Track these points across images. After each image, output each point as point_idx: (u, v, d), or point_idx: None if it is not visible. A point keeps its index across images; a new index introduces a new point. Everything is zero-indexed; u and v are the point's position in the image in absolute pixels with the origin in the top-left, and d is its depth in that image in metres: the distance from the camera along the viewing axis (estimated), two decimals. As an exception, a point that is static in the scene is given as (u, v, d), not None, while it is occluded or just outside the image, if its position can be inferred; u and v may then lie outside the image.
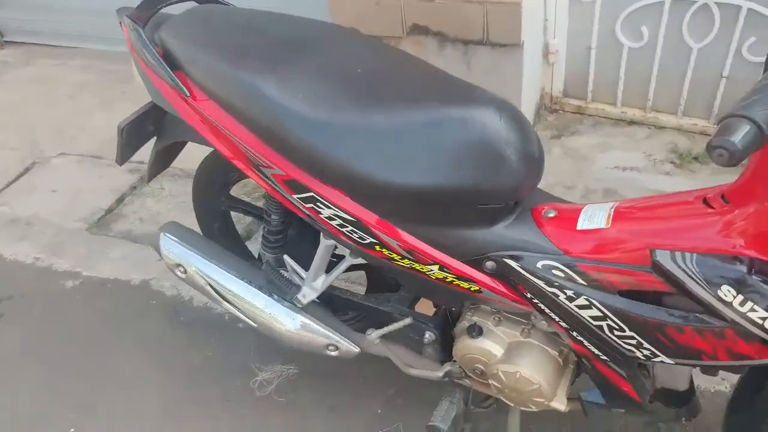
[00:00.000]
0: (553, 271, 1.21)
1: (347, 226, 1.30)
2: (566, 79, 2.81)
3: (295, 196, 1.32)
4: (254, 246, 2.52)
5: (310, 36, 1.39)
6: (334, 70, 1.29)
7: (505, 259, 1.24)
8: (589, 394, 1.39)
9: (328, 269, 1.55)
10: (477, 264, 1.27)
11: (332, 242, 1.46)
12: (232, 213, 1.98)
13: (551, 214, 1.27)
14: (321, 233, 1.47)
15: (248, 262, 1.77)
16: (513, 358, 1.37)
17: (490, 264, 1.26)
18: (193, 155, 1.76)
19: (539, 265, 1.22)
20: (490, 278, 1.29)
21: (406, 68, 1.34)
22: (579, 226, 1.22)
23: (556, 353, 1.38)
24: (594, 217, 1.21)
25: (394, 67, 1.33)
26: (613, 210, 1.21)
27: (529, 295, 1.26)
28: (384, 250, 1.30)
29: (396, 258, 1.31)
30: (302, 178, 1.28)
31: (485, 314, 1.43)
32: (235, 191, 1.95)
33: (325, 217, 1.32)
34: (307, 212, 1.34)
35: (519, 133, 1.18)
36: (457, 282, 1.30)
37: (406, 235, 1.27)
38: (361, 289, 1.88)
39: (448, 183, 1.17)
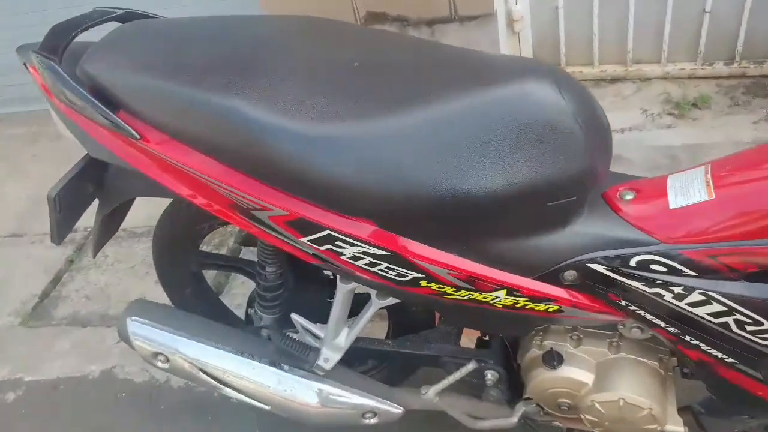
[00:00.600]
0: (652, 267, 0.99)
1: (380, 264, 1.05)
2: (534, 46, 2.64)
3: (304, 239, 1.06)
4: (228, 302, 2.24)
5: (277, 34, 1.13)
6: (324, 70, 1.03)
7: (589, 264, 1.01)
8: (704, 403, 1.19)
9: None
10: (553, 278, 1.04)
11: (353, 285, 1.20)
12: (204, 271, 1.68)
13: (629, 196, 1.05)
14: (338, 277, 1.20)
15: (242, 330, 1.48)
16: (609, 383, 1.14)
17: (570, 274, 1.03)
18: (134, 210, 1.46)
19: (633, 262, 1.00)
20: (571, 292, 1.06)
21: (406, 50, 1.11)
22: (673, 204, 1.00)
23: (656, 363, 1.16)
24: (688, 189, 1.00)
25: (392, 52, 1.09)
26: (709, 175, 1.00)
27: (623, 303, 1.04)
28: (432, 284, 1.05)
29: (449, 291, 1.06)
30: (315, 216, 1.01)
31: (558, 335, 1.21)
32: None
33: (349, 258, 1.06)
34: (322, 256, 1.08)
35: (584, 103, 0.96)
36: (530, 306, 1.07)
37: (460, 261, 1.03)
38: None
39: (513, 181, 0.93)
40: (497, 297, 1.06)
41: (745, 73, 2.48)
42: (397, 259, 1.03)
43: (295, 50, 1.08)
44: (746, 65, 2.48)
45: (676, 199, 1.00)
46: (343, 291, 1.22)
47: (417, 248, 1.02)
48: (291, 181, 1.00)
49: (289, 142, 0.96)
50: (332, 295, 1.45)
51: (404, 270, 1.04)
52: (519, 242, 1.02)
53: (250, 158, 1.00)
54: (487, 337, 1.44)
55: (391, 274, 1.06)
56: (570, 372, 1.17)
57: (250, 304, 1.56)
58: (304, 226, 1.04)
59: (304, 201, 1.02)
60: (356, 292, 1.25)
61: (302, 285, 1.47)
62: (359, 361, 1.51)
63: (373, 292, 1.22)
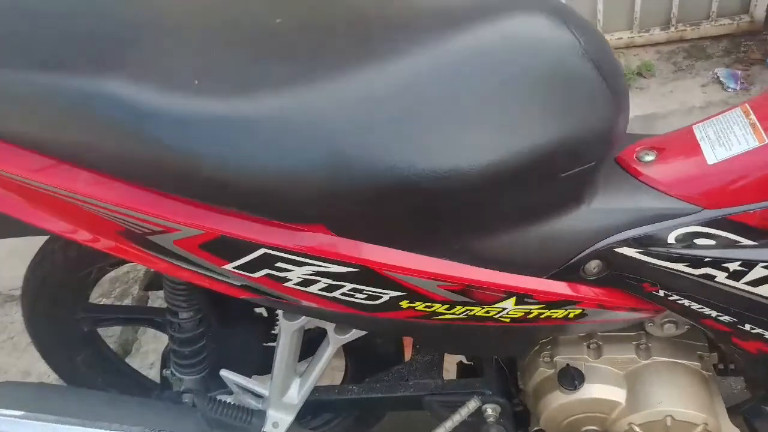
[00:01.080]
0: (697, 241, 0.78)
1: (342, 286, 0.77)
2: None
3: (229, 266, 0.77)
4: (139, 363, 1.88)
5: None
6: (235, 31, 0.75)
7: (616, 249, 0.79)
8: (755, 406, 0.99)
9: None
10: (573, 273, 0.81)
11: (302, 322, 0.91)
12: (101, 330, 1.33)
13: (649, 157, 0.84)
14: (281, 314, 0.92)
15: (156, 399, 1.15)
16: (647, 397, 0.92)
17: (593, 266, 0.80)
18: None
19: (672, 238, 0.78)
20: (596, 289, 0.83)
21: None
22: (711, 158, 0.79)
23: (697, 363, 0.95)
24: (727, 137, 0.80)
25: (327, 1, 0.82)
26: (752, 116, 0.80)
27: (662, 294, 0.82)
28: (417, 303, 0.79)
29: (439, 310, 0.80)
30: (241, 231, 0.73)
31: (571, 347, 0.98)
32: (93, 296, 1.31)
33: (296, 284, 0.78)
34: (257, 287, 0.79)
35: (598, 42, 0.75)
36: (546, 314, 0.83)
37: (453, 267, 0.77)
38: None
39: (514, 149, 0.69)
40: (504, 309, 0.81)
41: (682, 36, 2.41)
42: (365, 275, 0.76)
43: (193, 8, 0.79)
44: (683, 29, 2.42)
45: (714, 152, 0.80)
46: (289, 331, 0.94)
47: (392, 257, 0.76)
48: (201, 185, 0.71)
49: (191, 129, 0.68)
50: (272, 339, 1.16)
51: (377, 290, 0.77)
52: (526, 232, 0.77)
53: (138, 160, 0.70)
54: (469, 361, 1.20)
55: (359, 298, 0.79)
56: (595, 391, 0.94)
57: (164, 364, 1.23)
58: (228, 248, 0.75)
59: (223, 212, 0.73)
60: (306, 328, 0.97)
61: (229, 330, 1.16)
62: (311, 414, 1.22)
63: (330, 326, 0.94)
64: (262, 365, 1.06)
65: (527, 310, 0.82)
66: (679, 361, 0.94)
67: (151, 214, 0.73)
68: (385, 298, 0.78)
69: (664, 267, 0.80)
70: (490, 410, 1.01)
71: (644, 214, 0.80)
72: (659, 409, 0.90)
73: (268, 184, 0.68)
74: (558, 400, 0.95)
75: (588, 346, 0.97)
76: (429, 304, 0.79)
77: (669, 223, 0.79)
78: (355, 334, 0.95)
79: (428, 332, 0.86)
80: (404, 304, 0.79)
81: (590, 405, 0.94)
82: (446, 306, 0.80)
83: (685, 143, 0.84)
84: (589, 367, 0.96)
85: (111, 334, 2.08)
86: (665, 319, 0.92)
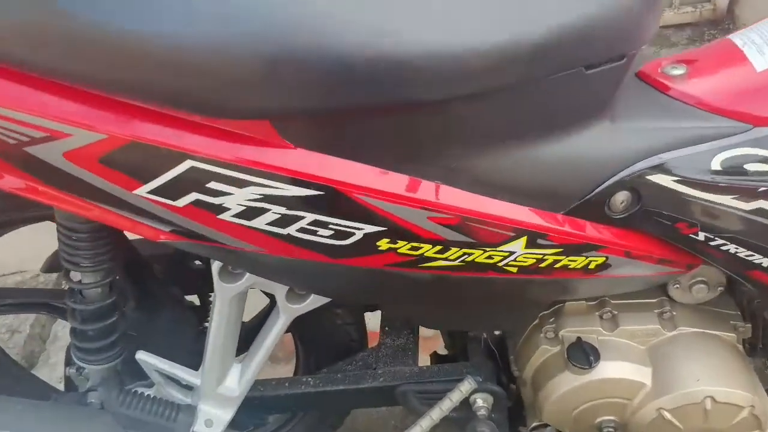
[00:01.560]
0: (748, 167, 0.64)
1: (299, 218, 0.58)
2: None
3: (142, 191, 0.57)
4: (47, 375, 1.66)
5: None
6: None
7: (649, 177, 0.63)
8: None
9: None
10: (596, 208, 0.65)
11: (244, 283, 0.72)
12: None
13: (679, 71, 0.69)
14: (214, 274, 0.72)
15: (54, 402, 0.93)
16: (680, 376, 0.76)
17: (620, 198, 0.65)
18: None
19: (716, 163, 0.64)
20: (621, 231, 0.67)
21: None
22: (761, 65, 0.65)
23: (732, 335, 0.80)
24: (781, 39, 0.66)
25: None
26: (811, 13, 0.66)
27: (701, 237, 0.67)
28: (401, 244, 0.61)
29: (429, 254, 0.62)
30: (159, 136, 0.54)
31: (579, 318, 0.82)
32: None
33: (235, 217, 0.58)
34: (179, 222, 0.60)
35: None
36: (563, 262, 0.66)
37: (450, 194, 0.59)
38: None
39: (534, 29, 0.53)
40: (512, 253, 0.64)
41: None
42: (331, 201, 0.57)
43: None
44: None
45: (764, 57, 0.66)
46: (227, 298, 0.74)
47: (368, 176, 0.57)
48: (102, 66, 0.51)
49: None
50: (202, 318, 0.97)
51: (347, 223, 0.59)
52: (540, 150, 0.61)
53: (9, 30, 0.51)
54: (447, 350, 1.02)
55: (323, 237, 0.60)
56: (613, 370, 0.78)
57: (68, 361, 1.01)
58: (140, 162, 0.55)
59: (133, 109, 0.54)
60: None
61: (151, 306, 0.95)
62: (253, 417, 1.01)
63: (280, 291, 0.75)
64: (190, 351, 0.86)
65: (540, 256, 0.65)
66: (712, 331, 0.79)
67: (29, 110, 0.53)
68: (358, 235, 0.60)
69: (706, 200, 0.64)
70: (481, 401, 0.83)
71: (679, 134, 0.65)
72: (696, 389, 0.74)
73: (192, 61, 0.50)
74: (568, 383, 0.78)
75: (601, 317, 0.81)
76: (416, 244, 0.61)
77: (711, 145, 0.64)
78: (312, 302, 0.76)
79: (410, 290, 0.68)
80: (383, 244, 0.61)
81: (608, 388, 0.78)
82: (438, 248, 0.62)
83: (723, 52, 0.70)
84: (604, 341, 0.79)
85: (13, 346, 1.82)
86: (695, 279, 0.77)
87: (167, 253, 1.06)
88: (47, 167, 0.57)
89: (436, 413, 0.79)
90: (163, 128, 0.54)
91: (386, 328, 0.95)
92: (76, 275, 0.78)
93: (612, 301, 0.81)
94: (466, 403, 0.85)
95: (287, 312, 0.77)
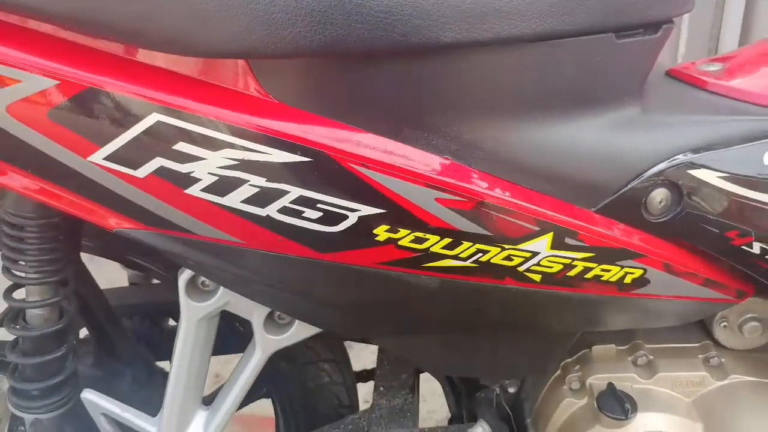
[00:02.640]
0: (809, 163, 0.55)
1: (282, 194, 0.49)
2: None
3: (98, 156, 0.48)
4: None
5: None
6: None
7: (691, 171, 0.55)
8: None
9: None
10: (631, 206, 0.56)
11: (212, 305, 0.61)
12: None
13: (715, 68, 0.63)
14: (181, 293, 0.61)
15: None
16: (740, 429, 0.63)
17: (659, 197, 0.56)
18: None
19: (770, 159, 0.55)
20: (662, 239, 0.58)
21: None
22: (812, 54, 0.59)
23: (793, 387, 0.68)
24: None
25: None
26: None
27: (756, 249, 0.58)
28: (402, 233, 0.51)
29: (435, 248, 0.52)
30: (121, 78, 0.46)
31: (608, 363, 0.69)
32: None
33: (206, 191, 0.49)
34: (138, 203, 0.51)
35: None
36: (595, 271, 0.56)
37: (463, 172, 0.50)
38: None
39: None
40: (535, 254, 0.54)
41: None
42: (321, 170, 0.48)
43: None
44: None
45: (812, 46, 0.60)
46: (195, 318, 0.63)
47: (366, 142, 0.49)
48: None
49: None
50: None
51: (339, 201, 0.49)
52: (568, 131, 0.53)
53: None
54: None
55: (310, 219, 0.50)
56: (654, 422, 0.65)
57: (12, 427, 0.86)
58: (98, 116, 0.47)
59: (88, 52, 0.46)
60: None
61: (111, 360, 0.83)
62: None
63: (257, 315, 0.63)
64: (145, 395, 0.73)
65: (568, 261, 0.54)
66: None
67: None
68: (352, 219, 0.50)
69: (760, 201, 0.56)
70: (491, 467, 0.69)
71: (722, 128, 0.57)
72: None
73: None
74: (598, 440, 0.65)
75: (634, 362, 0.69)
76: (420, 234, 0.51)
77: (762, 141, 0.57)
78: (294, 333, 0.64)
79: (411, 305, 0.57)
80: (381, 232, 0.51)
81: (649, 446, 0.65)
82: (447, 241, 0.52)
83: (760, 50, 0.64)
84: (640, 390, 0.67)
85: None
86: (746, 316, 0.67)
87: (139, 304, 0.96)
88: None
89: None
90: (127, 75, 0.47)
91: (381, 388, 0.82)
92: (20, 294, 0.67)
93: (647, 346, 0.70)
94: (476, 473, 0.71)
95: (264, 345, 0.65)
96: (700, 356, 0.69)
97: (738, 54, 0.66)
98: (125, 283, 1.00)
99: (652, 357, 0.69)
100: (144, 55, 0.48)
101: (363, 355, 1.20)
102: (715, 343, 0.69)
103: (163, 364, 0.95)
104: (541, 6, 0.47)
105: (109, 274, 0.96)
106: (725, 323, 0.67)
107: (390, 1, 0.43)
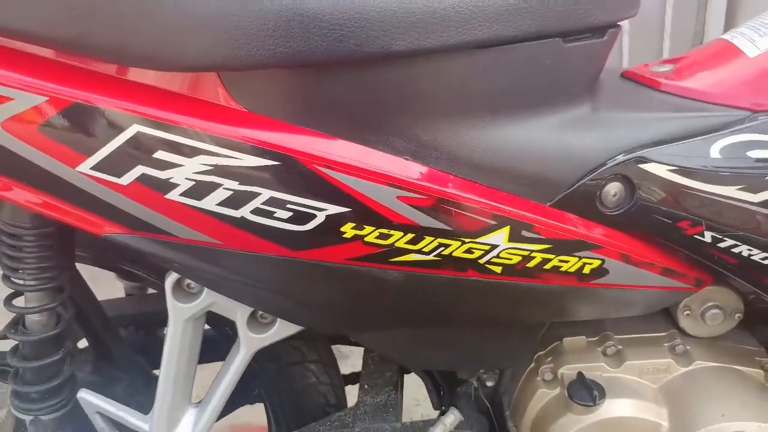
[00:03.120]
0: (751, 154, 0.59)
1: (254, 196, 0.53)
2: None
3: (85, 167, 0.53)
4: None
5: None
6: None
7: (642, 166, 0.59)
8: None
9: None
10: (585, 200, 0.60)
11: (198, 305, 0.65)
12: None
13: (666, 68, 0.67)
14: (168, 293, 0.65)
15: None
16: (701, 412, 0.66)
17: (613, 191, 0.60)
18: None
19: (716, 150, 0.60)
20: (618, 231, 0.61)
21: None
22: (753, 52, 0.63)
23: (758, 370, 0.71)
24: (766, 28, 0.64)
25: None
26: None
27: (708, 237, 0.61)
28: (368, 230, 0.55)
29: (400, 243, 0.56)
30: (104, 93, 0.51)
31: (579, 354, 0.73)
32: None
33: (184, 196, 0.53)
34: (124, 209, 0.55)
35: None
36: (553, 262, 0.59)
37: (422, 171, 0.54)
38: None
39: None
40: (494, 247, 0.57)
41: None
42: (289, 173, 0.52)
43: None
44: None
45: (755, 44, 0.64)
46: (181, 319, 0.67)
47: (329, 146, 0.53)
48: (40, 20, 0.49)
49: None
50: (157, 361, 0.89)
51: (307, 201, 0.53)
52: (521, 131, 0.57)
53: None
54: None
55: (280, 219, 0.54)
56: (621, 408, 0.68)
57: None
58: (84, 129, 0.51)
59: (73, 69, 0.51)
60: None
61: (108, 367, 0.87)
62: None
63: (240, 315, 0.67)
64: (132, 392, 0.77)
65: (526, 253, 0.58)
66: (734, 366, 0.70)
67: None
68: (320, 217, 0.54)
69: (707, 192, 0.59)
70: (470, 458, 0.73)
71: (672, 124, 0.61)
72: (723, 425, 0.64)
73: (130, 3, 0.47)
74: (571, 425, 0.68)
75: (604, 352, 0.72)
76: (385, 230, 0.55)
77: (709, 135, 0.60)
78: (276, 331, 0.68)
79: (381, 298, 0.61)
80: (348, 229, 0.55)
81: (618, 430, 0.67)
82: (410, 236, 0.56)
83: (712, 48, 0.68)
84: (609, 378, 0.70)
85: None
86: (708, 304, 0.70)
87: (134, 314, 1.00)
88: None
89: None
90: (109, 90, 0.51)
91: (366, 386, 0.86)
92: (19, 301, 0.71)
93: (616, 336, 0.73)
94: (457, 462, 0.74)
95: (249, 343, 0.69)
96: (666, 344, 0.72)
97: (690, 54, 0.70)
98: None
99: (620, 347, 0.72)
100: (122, 71, 0.52)
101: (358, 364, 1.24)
102: (680, 332, 0.72)
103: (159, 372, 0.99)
104: (487, 14, 0.51)
105: (107, 291, 1.00)
106: (688, 312, 0.70)
107: (343, 14, 0.48)
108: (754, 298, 0.68)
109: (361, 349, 0.91)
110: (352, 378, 1.02)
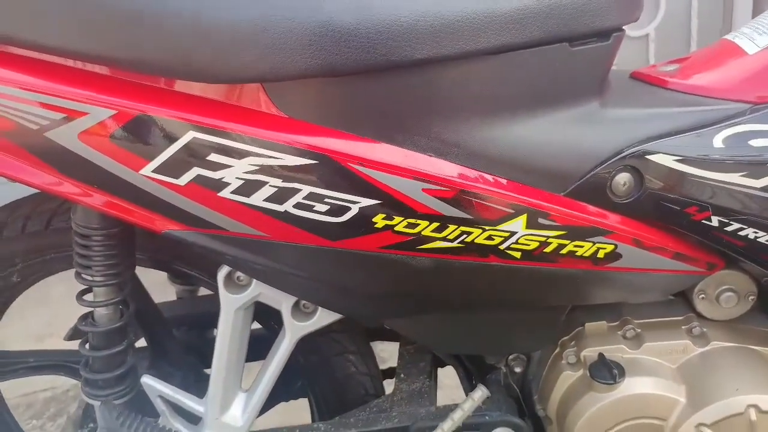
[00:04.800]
0: (753, 143, 0.63)
1: (295, 192, 0.60)
2: None
3: (148, 170, 0.60)
4: None
5: None
6: None
7: (650, 157, 0.63)
8: None
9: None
10: (596, 191, 0.65)
11: (249, 296, 0.72)
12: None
13: (672, 68, 0.72)
14: (220, 283, 0.72)
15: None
16: (717, 387, 0.70)
17: (622, 181, 0.65)
18: None
19: (719, 141, 0.64)
20: (629, 218, 0.66)
21: None
22: (752, 49, 0.68)
23: (772, 352, 0.74)
24: (766, 27, 0.69)
25: None
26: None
27: (715, 222, 0.65)
28: (397, 220, 0.61)
29: (426, 232, 0.62)
30: (163, 104, 0.58)
31: (600, 337, 0.77)
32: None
33: (235, 193, 0.60)
34: (182, 207, 0.62)
35: None
36: (569, 247, 0.64)
37: (445, 166, 0.60)
38: None
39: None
40: (512, 234, 0.63)
41: None
42: (326, 171, 0.59)
43: None
44: None
45: (755, 42, 0.68)
46: (232, 308, 0.73)
47: (361, 146, 0.60)
48: (108, 45, 0.57)
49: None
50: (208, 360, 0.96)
51: (343, 195, 0.60)
52: (534, 128, 0.62)
53: (31, 14, 0.57)
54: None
55: (319, 212, 0.61)
56: (641, 386, 0.72)
57: (81, 425, 0.98)
58: (146, 136, 0.59)
59: (136, 87, 0.59)
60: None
61: (164, 364, 0.94)
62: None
63: (285, 304, 0.74)
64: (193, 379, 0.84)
65: (543, 239, 0.63)
66: (749, 346, 0.74)
67: (50, 92, 0.58)
68: (354, 210, 0.61)
69: (712, 179, 0.64)
70: (500, 437, 0.77)
71: (678, 118, 0.66)
72: (737, 398, 0.68)
73: (186, 26, 0.54)
74: (593, 403, 0.73)
75: (624, 336, 0.76)
76: (412, 220, 0.61)
77: (712, 126, 0.65)
78: (318, 319, 0.75)
79: (411, 284, 0.66)
80: (379, 220, 0.61)
81: (637, 406, 0.72)
82: (435, 225, 0.62)
83: (715, 49, 0.73)
84: (629, 359, 0.74)
85: None
86: (722, 287, 0.74)
87: (187, 315, 1.08)
88: (64, 153, 0.61)
89: (448, 425, 0.73)
90: (168, 102, 0.59)
91: (402, 375, 0.91)
92: (89, 297, 0.79)
93: (635, 321, 0.77)
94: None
95: (293, 330, 0.75)
96: (683, 327, 0.75)
97: (695, 54, 0.75)
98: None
99: (639, 330, 0.76)
100: (180, 85, 0.60)
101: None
102: (698, 316, 0.76)
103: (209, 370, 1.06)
104: (497, 24, 0.57)
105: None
106: (703, 295, 0.74)
107: (370, 27, 0.54)
108: (767, 281, 0.72)
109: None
110: (389, 373, 1.07)
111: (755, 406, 0.67)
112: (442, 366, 0.97)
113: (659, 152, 0.64)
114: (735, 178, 0.64)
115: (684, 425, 0.70)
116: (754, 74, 0.66)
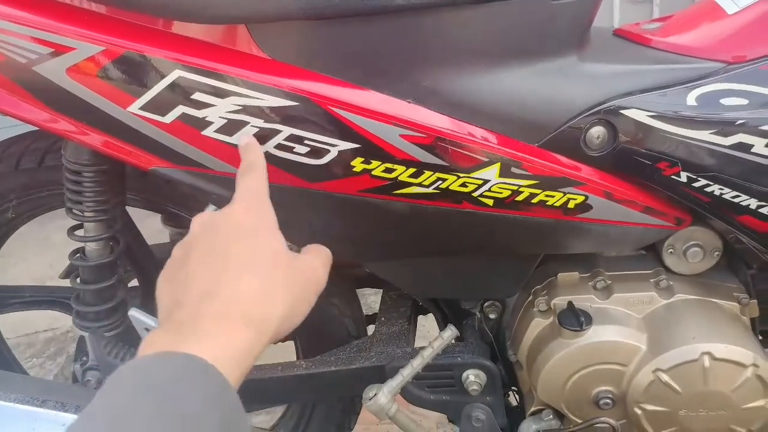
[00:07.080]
0: (724, 101, 0.64)
1: (276, 132, 0.61)
2: None
3: (134, 107, 0.61)
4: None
5: None
6: None
7: (624, 112, 0.65)
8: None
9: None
10: (570, 142, 0.66)
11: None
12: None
13: (654, 26, 0.73)
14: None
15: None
16: (675, 335, 0.73)
17: (596, 134, 0.66)
18: None
19: (692, 98, 0.65)
20: (601, 171, 0.68)
21: None
22: (732, 9, 0.68)
23: (735, 305, 0.77)
24: (747, -12, 0.69)
25: None
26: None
27: (684, 177, 0.67)
28: (375, 164, 0.63)
29: (403, 177, 0.64)
30: (150, 42, 0.59)
31: (571, 287, 0.79)
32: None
33: (218, 132, 0.62)
34: (167, 145, 0.63)
35: None
36: (540, 197, 0.66)
37: (422, 113, 0.62)
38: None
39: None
40: (486, 182, 0.64)
41: None
42: (306, 112, 0.60)
43: None
44: None
45: (735, 2, 0.68)
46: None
47: (341, 89, 0.61)
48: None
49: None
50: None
51: (322, 138, 0.61)
52: (511, 78, 0.63)
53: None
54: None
55: (299, 153, 0.62)
56: (606, 333, 0.75)
57: (75, 357, 1.01)
58: (133, 74, 0.60)
59: (125, 25, 0.59)
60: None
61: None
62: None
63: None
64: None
65: (515, 188, 0.65)
66: (711, 299, 0.76)
67: (40, 27, 0.59)
68: (333, 152, 0.62)
69: (683, 136, 0.65)
70: (473, 377, 0.80)
71: (654, 75, 0.67)
72: (692, 345, 0.70)
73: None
74: (560, 348, 0.75)
75: (594, 287, 0.79)
76: (390, 165, 0.63)
77: (687, 84, 0.66)
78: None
79: (388, 227, 0.68)
80: (357, 164, 0.63)
81: (601, 352, 0.74)
82: (412, 170, 0.63)
83: (698, 8, 0.73)
84: (597, 309, 0.77)
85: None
86: (689, 243, 0.75)
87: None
88: (52, 88, 0.62)
89: (417, 361, 0.76)
90: (154, 40, 0.60)
91: (382, 318, 0.94)
92: (80, 232, 0.81)
93: (606, 273, 0.79)
94: (460, 385, 0.82)
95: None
96: (651, 280, 0.78)
97: (678, 14, 0.75)
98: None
99: (609, 282, 0.78)
100: (166, 24, 0.61)
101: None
102: (666, 270, 0.78)
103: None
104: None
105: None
106: (672, 250, 0.76)
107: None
108: (732, 238, 0.74)
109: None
110: (373, 318, 1.10)
111: (709, 354, 0.70)
112: (424, 314, 1.00)
113: (633, 107, 0.65)
114: (705, 135, 0.65)
115: (643, 370, 0.73)
116: (730, 34, 0.67)
